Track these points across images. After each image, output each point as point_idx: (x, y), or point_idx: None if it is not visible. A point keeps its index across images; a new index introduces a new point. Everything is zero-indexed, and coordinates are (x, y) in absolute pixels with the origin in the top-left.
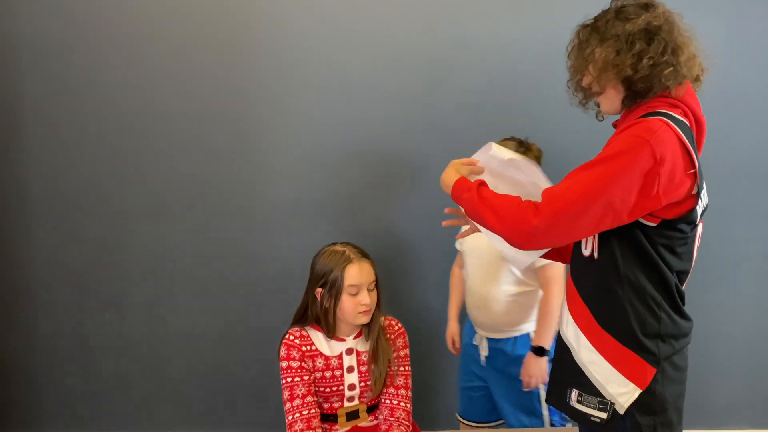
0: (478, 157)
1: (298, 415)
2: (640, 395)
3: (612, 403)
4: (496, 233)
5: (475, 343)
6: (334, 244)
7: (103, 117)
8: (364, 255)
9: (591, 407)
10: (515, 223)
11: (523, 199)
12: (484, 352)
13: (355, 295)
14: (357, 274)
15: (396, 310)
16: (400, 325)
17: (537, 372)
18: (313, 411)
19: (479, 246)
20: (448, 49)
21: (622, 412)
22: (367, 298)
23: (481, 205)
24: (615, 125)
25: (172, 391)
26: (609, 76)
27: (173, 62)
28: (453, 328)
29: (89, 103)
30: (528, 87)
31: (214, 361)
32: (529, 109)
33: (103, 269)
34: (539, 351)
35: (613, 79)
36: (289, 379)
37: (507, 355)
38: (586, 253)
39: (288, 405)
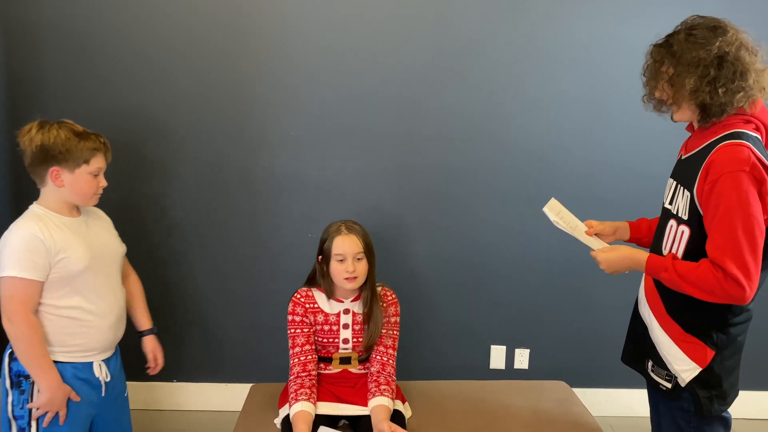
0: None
1: (296, 360)
2: (700, 372)
3: (675, 377)
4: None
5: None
6: (339, 221)
7: (123, 94)
8: (353, 229)
9: (660, 377)
10: (726, 297)
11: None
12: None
13: (341, 262)
14: (341, 244)
15: (388, 276)
16: (394, 295)
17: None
18: (309, 357)
19: (105, 253)
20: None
21: (683, 385)
22: (350, 267)
23: (685, 284)
24: (690, 130)
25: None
26: (685, 98)
27: (186, 43)
28: (66, 387)
29: (111, 81)
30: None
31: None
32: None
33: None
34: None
35: (688, 101)
36: (292, 330)
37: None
38: (665, 253)
39: (291, 351)
